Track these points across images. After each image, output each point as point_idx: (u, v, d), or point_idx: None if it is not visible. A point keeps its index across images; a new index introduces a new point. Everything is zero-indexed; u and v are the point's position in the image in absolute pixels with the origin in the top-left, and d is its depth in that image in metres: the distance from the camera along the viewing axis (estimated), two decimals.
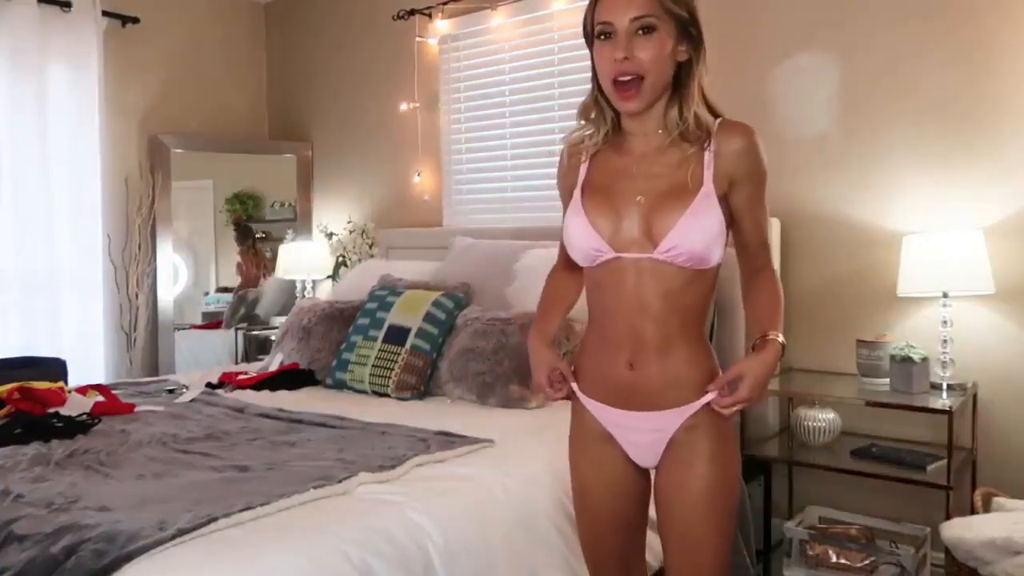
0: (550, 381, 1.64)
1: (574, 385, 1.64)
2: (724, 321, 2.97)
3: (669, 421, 1.54)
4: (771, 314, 1.54)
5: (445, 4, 3.89)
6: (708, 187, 1.48)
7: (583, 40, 1.56)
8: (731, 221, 1.55)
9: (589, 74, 1.60)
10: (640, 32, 1.45)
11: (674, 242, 1.47)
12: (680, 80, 1.51)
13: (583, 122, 1.61)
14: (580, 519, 1.69)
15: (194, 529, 1.57)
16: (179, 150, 4.37)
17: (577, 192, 1.59)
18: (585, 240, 1.54)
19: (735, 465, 1.60)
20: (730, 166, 1.49)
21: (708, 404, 1.52)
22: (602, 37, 1.49)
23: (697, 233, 1.46)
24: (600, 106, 1.57)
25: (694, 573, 1.55)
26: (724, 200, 1.51)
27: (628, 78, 1.46)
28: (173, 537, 1.54)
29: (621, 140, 1.58)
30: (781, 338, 1.50)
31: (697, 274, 1.51)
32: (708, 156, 1.49)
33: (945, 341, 2.60)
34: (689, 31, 1.49)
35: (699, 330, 1.56)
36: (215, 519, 1.62)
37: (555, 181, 1.72)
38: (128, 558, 1.47)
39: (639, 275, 1.51)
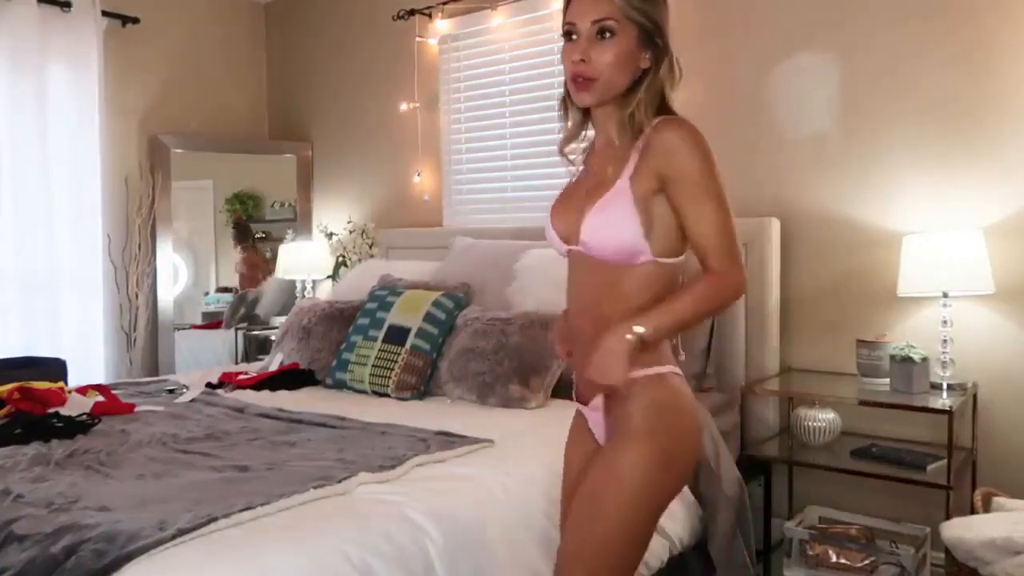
0: (557, 341, 1.73)
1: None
2: (724, 321, 2.96)
3: (593, 418, 1.60)
4: (657, 308, 1.45)
5: (445, 4, 3.89)
6: (623, 183, 1.48)
7: None
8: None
9: None
10: (599, 35, 1.48)
11: (585, 236, 1.52)
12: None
13: (563, 120, 1.66)
14: (561, 499, 1.70)
15: (194, 529, 1.57)
16: (179, 150, 4.37)
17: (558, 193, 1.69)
18: (549, 236, 1.65)
19: (631, 465, 1.46)
20: (658, 162, 1.47)
21: (617, 401, 1.52)
22: (569, 37, 1.53)
23: (604, 228, 1.49)
24: (566, 104, 1.62)
25: (565, 559, 1.53)
26: (659, 196, 1.48)
27: (582, 79, 1.49)
28: (173, 537, 1.54)
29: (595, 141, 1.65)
30: (628, 331, 1.42)
31: (630, 270, 1.50)
32: (634, 152, 1.50)
33: (945, 341, 2.60)
34: (654, 40, 1.50)
35: None
36: (215, 519, 1.62)
37: (555, 181, 1.76)
38: (128, 558, 1.47)
39: (581, 270, 1.58)
